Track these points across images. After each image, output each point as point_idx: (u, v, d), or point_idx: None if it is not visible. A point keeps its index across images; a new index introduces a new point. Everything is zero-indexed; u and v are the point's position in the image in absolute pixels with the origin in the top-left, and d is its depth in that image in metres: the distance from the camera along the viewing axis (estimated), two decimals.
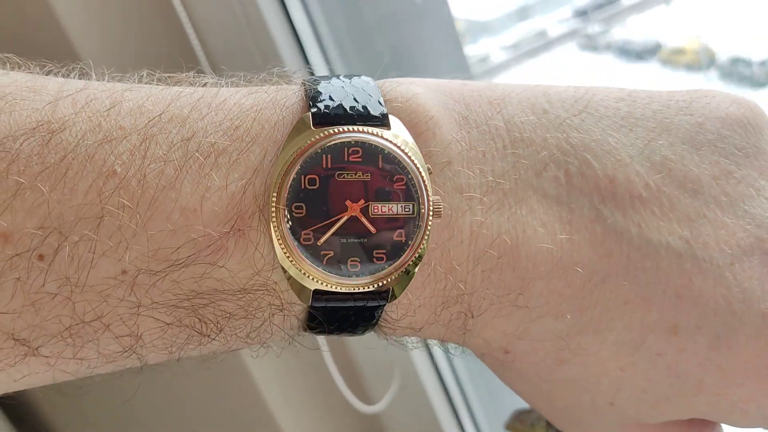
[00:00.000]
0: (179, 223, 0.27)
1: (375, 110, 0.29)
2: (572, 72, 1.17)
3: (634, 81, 1.19)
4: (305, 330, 0.31)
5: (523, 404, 0.58)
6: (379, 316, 0.30)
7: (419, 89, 0.31)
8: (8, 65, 0.29)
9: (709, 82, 1.07)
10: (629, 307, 0.30)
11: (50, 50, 0.56)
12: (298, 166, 0.27)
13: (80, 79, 0.30)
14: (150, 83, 0.31)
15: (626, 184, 0.31)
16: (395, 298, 0.29)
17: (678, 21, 1.11)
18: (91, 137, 0.27)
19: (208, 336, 0.28)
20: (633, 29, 1.15)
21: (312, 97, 0.29)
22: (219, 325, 0.28)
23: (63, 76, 0.30)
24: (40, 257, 0.25)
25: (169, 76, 0.31)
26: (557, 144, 0.31)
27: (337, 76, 0.31)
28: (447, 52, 0.74)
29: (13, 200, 0.25)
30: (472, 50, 1.13)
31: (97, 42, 0.58)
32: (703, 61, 1.07)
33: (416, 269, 0.29)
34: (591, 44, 1.17)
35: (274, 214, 0.27)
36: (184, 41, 0.59)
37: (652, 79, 1.12)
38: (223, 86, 0.31)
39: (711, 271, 0.30)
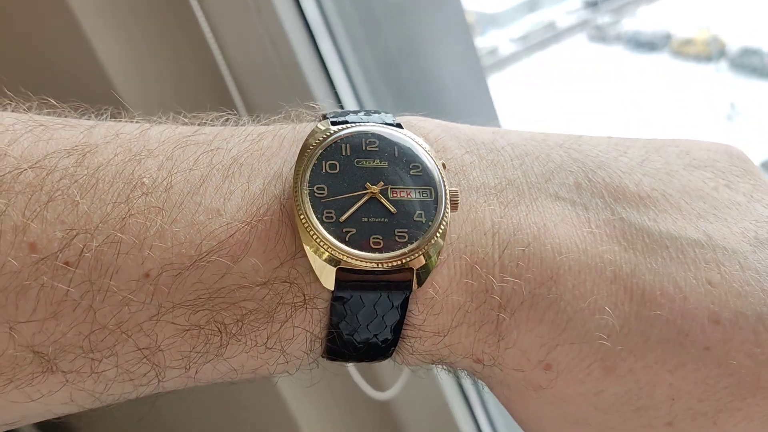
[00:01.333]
0: (204, 224, 0.28)
1: (389, 119, 0.31)
2: (582, 64, 1.17)
3: (644, 72, 1.19)
4: (325, 355, 0.31)
5: None
6: (405, 311, 0.29)
7: (426, 123, 0.33)
8: (44, 109, 0.31)
9: (719, 73, 1.07)
10: (665, 298, 0.29)
11: (93, 94, 0.57)
12: (318, 153, 0.29)
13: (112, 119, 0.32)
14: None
15: (633, 188, 0.31)
16: (420, 284, 0.29)
17: (688, 11, 1.11)
18: (120, 157, 0.28)
19: (227, 341, 0.29)
20: (643, 20, 1.15)
21: (333, 113, 0.31)
22: (238, 327, 0.29)
23: (95, 117, 0.32)
24: (66, 263, 0.26)
25: (194, 116, 0.33)
26: (561, 159, 0.32)
27: (353, 112, 0.33)
28: (458, 44, 0.75)
29: (45, 210, 0.26)
30: (480, 42, 1.13)
31: (140, 90, 0.60)
32: (713, 51, 1.07)
33: (438, 256, 0.29)
34: (601, 35, 1.17)
35: (297, 192, 0.28)
36: (220, 82, 0.60)
37: (662, 70, 1.12)
38: (242, 125, 0.33)
39: (734, 258, 0.30)
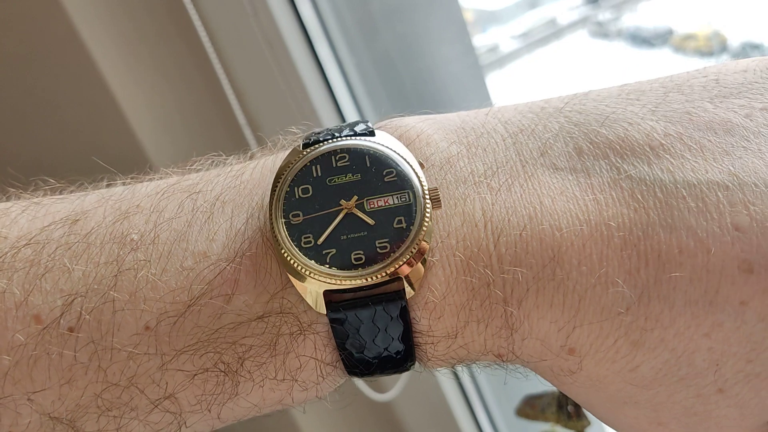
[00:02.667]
0: (193, 269, 0.28)
1: (360, 128, 0.31)
2: (583, 60, 1.17)
3: (646, 68, 1.19)
4: (346, 372, 0.31)
5: (534, 389, 0.58)
6: (407, 320, 0.29)
7: (408, 120, 0.33)
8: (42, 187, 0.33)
9: None
10: (685, 255, 0.26)
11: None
12: (289, 180, 0.29)
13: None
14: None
15: (643, 138, 0.28)
16: (413, 288, 0.28)
17: (689, 7, 1.11)
18: (110, 218, 0.30)
19: (237, 380, 0.29)
20: (644, 15, 1.14)
21: (304, 141, 0.31)
22: (243, 365, 0.29)
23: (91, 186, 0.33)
24: (70, 330, 0.27)
25: (182, 165, 0.34)
26: (560, 127, 0.30)
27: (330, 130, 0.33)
28: (455, 43, 0.75)
29: (42, 281, 0.27)
30: (481, 40, 1.12)
31: (139, 97, 0.60)
32: (714, 47, 1.06)
33: (430, 257, 0.28)
34: (602, 31, 1.16)
35: (274, 225, 0.28)
36: (219, 90, 0.60)
37: (663, 66, 1.12)
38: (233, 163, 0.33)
39: (764, 200, 0.26)
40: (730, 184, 0.27)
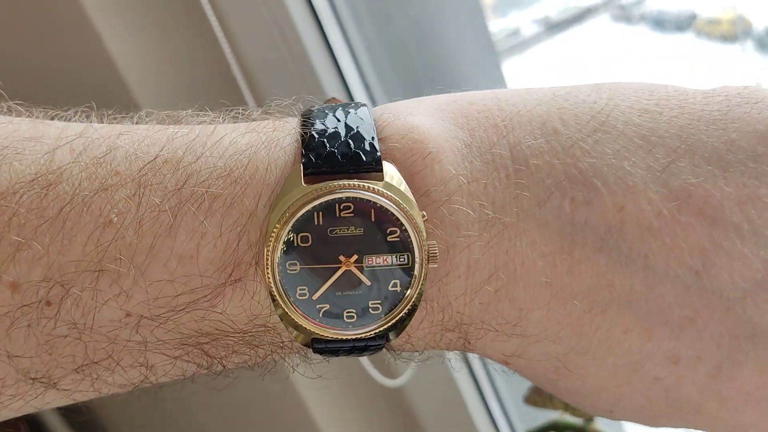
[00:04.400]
0: (177, 272, 0.27)
1: (367, 155, 0.29)
2: (605, 44, 1.15)
3: (669, 53, 1.17)
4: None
5: None
6: (379, 350, 0.31)
7: (418, 120, 0.30)
8: (13, 113, 0.30)
9: (744, 53, 1.04)
10: (629, 335, 0.30)
11: (103, 89, 0.57)
12: (289, 226, 0.28)
13: (81, 122, 0.30)
14: (150, 122, 0.31)
15: (636, 214, 0.29)
16: (390, 340, 0.30)
17: None
18: (87, 185, 0.27)
19: (215, 364, 0.30)
20: None
21: (305, 143, 0.29)
22: (224, 359, 0.30)
23: (68, 120, 0.30)
24: (48, 303, 0.26)
25: (168, 115, 0.31)
26: (564, 170, 0.29)
27: (335, 110, 0.31)
28: (470, 27, 0.74)
29: (17, 253, 0.26)
30: (501, 24, 1.11)
31: (152, 85, 0.60)
32: (739, 31, 1.04)
33: (413, 314, 0.30)
34: (625, 15, 1.15)
35: (269, 272, 0.27)
36: (224, 65, 0.60)
37: (687, 51, 1.10)
38: (220, 122, 0.31)
39: (719, 305, 0.29)
40: (692, 285, 0.29)
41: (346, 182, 0.28)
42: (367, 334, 0.29)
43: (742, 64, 1.05)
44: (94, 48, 0.57)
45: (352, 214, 0.28)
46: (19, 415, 0.29)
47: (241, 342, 0.29)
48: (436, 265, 0.29)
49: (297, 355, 0.32)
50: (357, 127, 0.29)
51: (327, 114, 0.30)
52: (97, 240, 0.27)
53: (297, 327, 0.29)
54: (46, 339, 0.27)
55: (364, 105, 0.31)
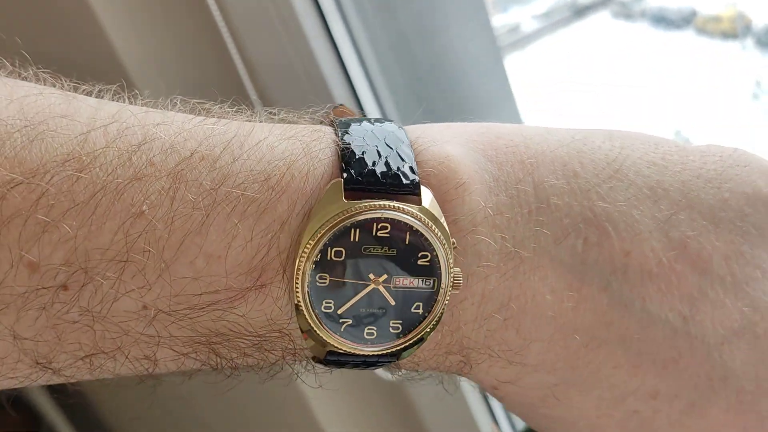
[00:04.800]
0: (202, 271, 0.27)
1: (407, 178, 0.29)
2: (605, 41, 1.16)
3: (669, 50, 1.17)
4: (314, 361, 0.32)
5: None
6: (384, 365, 0.32)
7: (452, 149, 0.31)
8: (42, 82, 0.29)
9: (745, 50, 1.04)
10: (617, 371, 0.32)
11: (100, 70, 0.57)
12: (326, 239, 0.28)
13: (114, 101, 0.30)
14: (183, 111, 0.31)
15: (640, 259, 0.31)
16: (401, 359, 0.31)
17: None
18: (121, 172, 0.27)
19: (222, 363, 0.30)
20: None
21: (344, 158, 0.29)
22: (232, 360, 0.30)
23: (96, 96, 0.30)
24: (65, 288, 0.26)
25: (199, 103, 0.31)
26: (581, 212, 0.31)
27: (371, 126, 0.31)
28: (473, 23, 0.74)
29: (42, 234, 0.25)
30: (502, 19, 1.12)
31: (144, 60, 0.60)
32: (739, 28, 1.05)
33: (429, 336, 0.30)
34: (625, 12, 1.15)
35: (299, 281, 0.28)
36: (229, 62, 0.60)
37: (687, 48, 1.10)
38: (256, 122, 0.31)
39: (700, 349, 0.32)
40: (679, 329, 0.32)
41: (386, 203, 0.28)
42: (384, 351, 0.30)
43: (742, 62, 1.05)
44: (98, 41, 0.57)
45: (387, 235, 0.29)
46: (2, 388, 0.29)
47: (253, 345, 0.29)
48: (458, 292, 0.30)
49: (303, 363, 0.32)
50: (396, 149, 0.30)
51: (365, 129, 0.31)
52: (127, 230, 0.26)
53: (316, 338, 0.29)
54: (55, 323, 0.26)
55: (392, 122, 0.32)
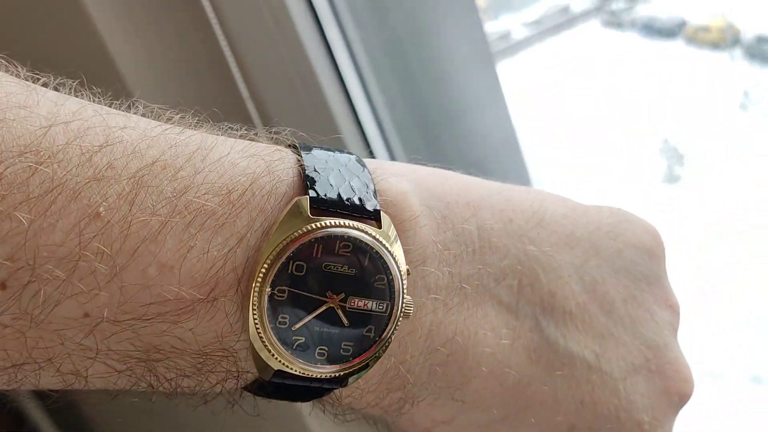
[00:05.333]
0: (154, 279, 0.26)
1: (369, 205, 0.30)
2: (595, 50, 1.16)
3: (658, 59, 1.18)
4: (246, 390, 0.31)
5: None
6: (326, 394, 0.31)
7: (407, 184, 0.32)
8: (1, 69, 0.28)
9: (733, 61, 1.05)
10: (544, 407, 0.34)
11: (91, 69, 0.57)
12: (289, 252, 0.28)
13: (75, 96, 0.29)
14: (144, 115, 0.30)
15: (562, 300, 0.34)
16: (347, 385, 0.31)
17: None
18: (80, 171, 0.26)
19: (156, 384, 0.28)
20: (658, 6, 1.14)
21: (309, 178, 0.29)
22: (169, 381, 0.28)
23: (54, 89, 0.29)
24: (2, 286, 0.24)
25: (161, 109, 0.30)
26: (517, 255, 0.34)
27: (332, 152, 0.32)
28: (466, 29, 0.74)
29: None
30: (493, 27, 1.12)
31: (135, 57, 0.59)
32: (728, 39, 1.06)
33: (376, 362, 0.30)
34: (615, 21, 1.16)
35: (257, 293, 0.27)
36: (222, 62, 0.59)
37: (676, 58, 1.11)
38: (219, 136, 0.30)
39: (609, 383, 0.35)
40: (593, 365, 0.35)
41: (350, 222, 0.29)
42: (332, 374, 0.29)
43: (730, 72, 1.06)
44: (90, 40, 0.56)
45: (348, 253, 0.29)
46: None
47: (194, 366, 0.28)
48: (407, 320, 0.30)
49: (238, 392, 0.31)
50: (357, 175, 0.31)
51: (327, 154, 0.31)
52: (81, 230, 0.25)
53: (265, 356, 0.28)
54: None
55: (353, 155, 0.33)
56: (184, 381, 0.28)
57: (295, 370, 0.29)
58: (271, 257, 0.27)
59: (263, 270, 0.27)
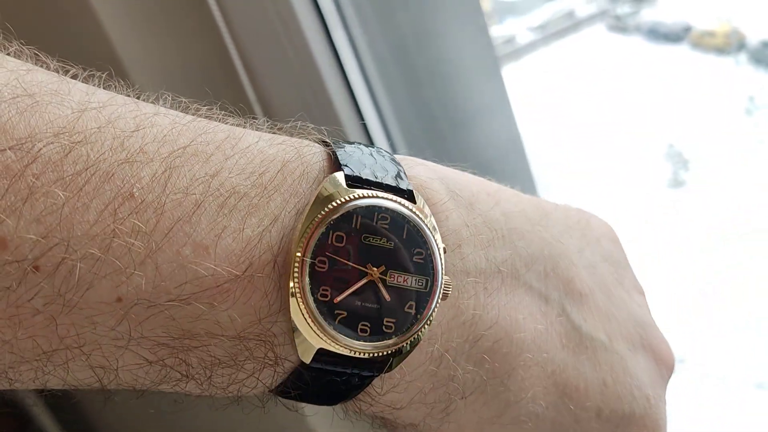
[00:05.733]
0: (189, 259, 0.26)
1: (403, 184, 0.30)
2: (599, 54, 1.16)
3: (663, 64, 1.18)
4: (275, 394, 0.30)
5: None
6: (366, 386, 0.30)
7: (434, 174, 0.32)
8: (27, 58, 0.28)
9: (738, 66, 1.05)
10: (578, 393, 0.34)
11: (98, 68, 0.57)
12: (329, 222, 0.27)
13: (103, 88, 0.29)
14: (173, 108, 0.30)
15: (579, 285, 0.35)
16: (391, 369, 0.29)
17: (709, 3, 1.10)
18: (112, 155, 0.26)
19: (187, 379, 0.28)
20: (663, 11, 1.14)
21: (340, 160, 0.30)
22: (203, 372, 0.28)
23: (83, 81, 0.29)
24: (36, 268, 0.24)
25: (190, 102, 0.30)
26: (538, 242, 0.34)
27: (358, 144, 0.32)
28: (472, 32, 0.74)
29: (23, 204, 0.24)
30: (498, 31, 1.12)
31: (143, 61, 0.59)
32: (733, 44, 1.06)
33: (418, 344, 0.29)
34: (620, 25, 1.16)
35: (297, 265, 0.27)
36: (228, 63, 0.59)
37: (681, 62, 1.11)
38: (247, 128, 0.30)
39: (621, 363, 0.35)
40: (607, 346, 0.35)
41: (388, 194, 0.29)
42: (376, 352, 0.28)
43: (735, 77, 1.06)
44: (96, 38, 0.57)
45: (387, 226, 0.29)
46: None
47: (229, 355, 0.28)
48: (450, 306, 0.30)
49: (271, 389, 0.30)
50: (387, 160, 0.31)
51: (352, 145, 0.31)
52: (115, 210, 0.25)
53: (307, 332, 0.28)
54: (15, 311, 0.24)
55: (374, 146, 0.33)
56: (217, 373, 0.28)
57: (339, 349, 0.28)
58: (311, 227, 0.27)
59: (303, 240, 0.27)
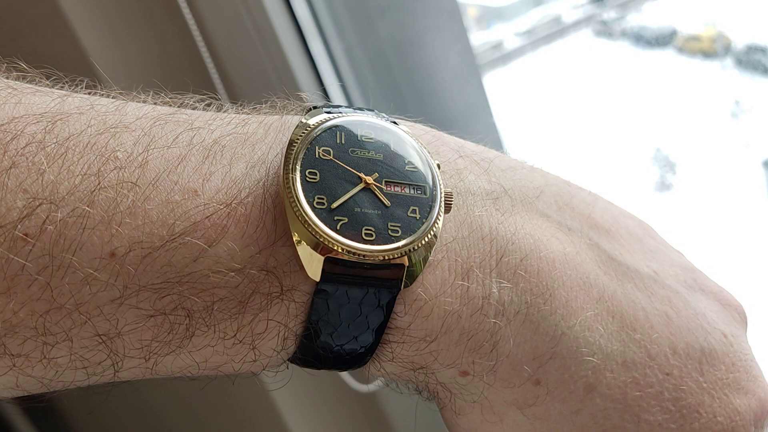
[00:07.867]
0: (179, 203, 0.26)
1: (385, 117, 0.30)
2: (586, 59, 1.17)
3: (649, 68, 1.18)
4: (297, 358, 0.29)
5: None
6: (390, 312, 0.28)
7: (417, 130, 0.32)
8: (13, 72, 0.29)
9: (724, 70, 1.05)
10: (638, 322, 0.31)
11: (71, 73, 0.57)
12: (313, 136, 0.27)
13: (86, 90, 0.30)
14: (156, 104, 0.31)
15: (599, 220, 0.33)
16: (409, 284, 0.27)
17: (694, 7, 1.10)
18: (94, 128, 0.26)
19: (192, 331, 0.27)
20: (649, 15, 1.14)
21: (325, 104, 0.30)
22: (206, 316, 0.27)
23: (68, 87, 0.29)
24: (25, 236, 0.24)
25: (175, 96, 0.31)
26: (543, 181, 0.33)
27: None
28: (452, 39, 0.74)
29: (5, 176, 0.24)
30: (485, 36, 1.12)
31: (119, 70, 0.60)
32: (719, 48, 1.06)
33: (431, 254, 0.28)
34: (606, 30, 1.16)
35: (288, 181, 0.26)
36: (201, 67, 0.60)
37: (667, 67, 1.11)
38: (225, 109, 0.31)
39: (680, 297, 0.32)
40: (656, 279, 0.32)
41: (368, 112, 0.30)
42: (387, 255, 0.27)
43: (721, 81, 1.06)
44: (69, 43, 0.57)
45: (372, 140, 0.28)
46: None
47: (232, 295, 0.26)
48: (452, 213, 0.29)
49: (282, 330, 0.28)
50: (368, 110, 0.31)
51: (338, 106, 0.31)
52: (98, 170, 0.25)
53: (310, 240, 0.26)
54: (9, 281, 0.24)
55: None
56: (223, 314, 0.27)
57: (345, 255, 0.26)
58: (296, 143, 0.27)
59: (290, 153, 0.27)
